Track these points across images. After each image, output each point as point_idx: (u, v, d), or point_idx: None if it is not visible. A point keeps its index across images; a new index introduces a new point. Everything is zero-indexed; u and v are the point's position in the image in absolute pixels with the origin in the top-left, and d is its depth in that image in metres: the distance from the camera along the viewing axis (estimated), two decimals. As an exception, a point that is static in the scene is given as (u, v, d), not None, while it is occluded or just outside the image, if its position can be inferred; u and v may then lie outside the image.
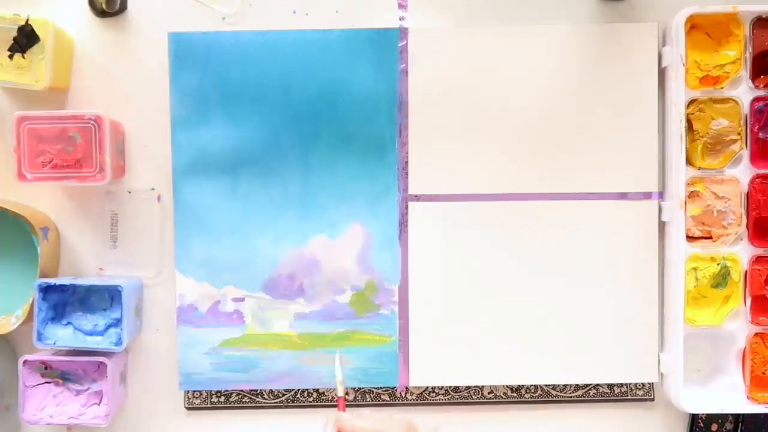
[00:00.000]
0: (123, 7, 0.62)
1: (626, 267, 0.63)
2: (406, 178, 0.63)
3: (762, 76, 0.61)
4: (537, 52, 0.62)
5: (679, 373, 0.60)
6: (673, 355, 0.60)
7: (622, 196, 0.63)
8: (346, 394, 0.61)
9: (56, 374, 0.61)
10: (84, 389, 0.60)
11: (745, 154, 0.61)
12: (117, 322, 0.60)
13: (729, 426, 0.64)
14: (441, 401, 0.64)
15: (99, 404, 0.60)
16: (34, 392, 0.60)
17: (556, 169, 0.63)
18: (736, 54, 0.61)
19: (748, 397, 0.62)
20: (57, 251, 0.63)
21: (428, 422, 0.61)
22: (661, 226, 0.63)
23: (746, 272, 0.61)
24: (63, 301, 0.61)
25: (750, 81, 0.61)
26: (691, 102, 0.61)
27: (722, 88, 0.61)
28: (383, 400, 0.64)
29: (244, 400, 0.64)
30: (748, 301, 0.61)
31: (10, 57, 0.58)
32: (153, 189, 0.63)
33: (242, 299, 0.63)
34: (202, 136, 0.62)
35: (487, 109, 0.62)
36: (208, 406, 0.64)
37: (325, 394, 0.64)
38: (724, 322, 0.62)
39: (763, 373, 0.61)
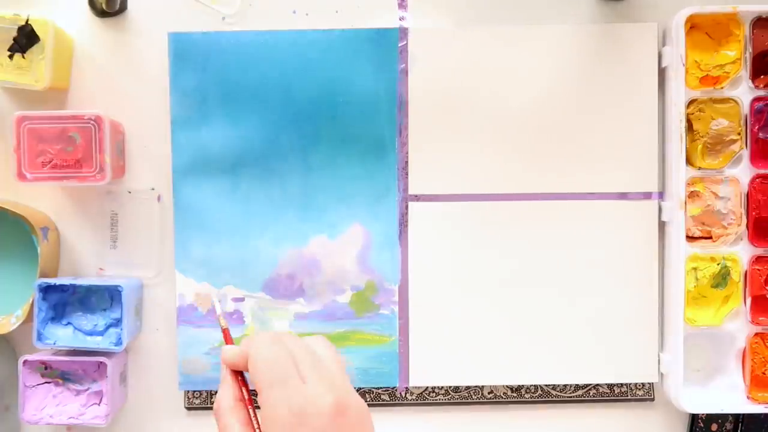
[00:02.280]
0: (123, 7, 0.62)
1: (626, 267, 0.63)
2: (406, 178, 0.63)
3: (762, 76, 0.61)
4: (537, 52, 0.62)
5: (679, 373, 0.60)
6: (673, 355, 0.60)
7: (622, 196, 0.63)
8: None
9: (56, 374, 0.61)
10: (84, 389, 0.60)
11: (745, 154, 0.61)
12: (117, 322, 0.60)
13: (729, 426, 0.64)
14: (441, 401, 0.64)
15: (99, 404, 0.60)
16: (34, 392, 0.60)
17: (555, 169, 0.63)
18: (736, 54, 0.61)
19: (748, 397, 0.62)
20: (57, 251, 0.63)
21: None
22: (661, 226, 0.63)
23: (746, 272, 0.61)
24: (63, 301, 0.61)
25: (750, 81, 0.61)
26: (691, 102, 0.61)
27: (722, 88, 0.61)
28: (383, 400, 0.64)
29: (244, 400, 0.64)
30: (748, 301, 0.61)
31: (10, 57, 0.58)
32: (153, 189, 0.63)
33: (242, 299, 0.63)
34: (202, 136, 0.62)
35: (487, 109, 0.62)
36: (208, 406, 0.64)
37: (325, 394, 0.64)
38: (724, 322, 0.62)
39: (763, 373, 0.61)
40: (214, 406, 0.42)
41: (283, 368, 0.40)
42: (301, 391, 0.39)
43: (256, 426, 0.41)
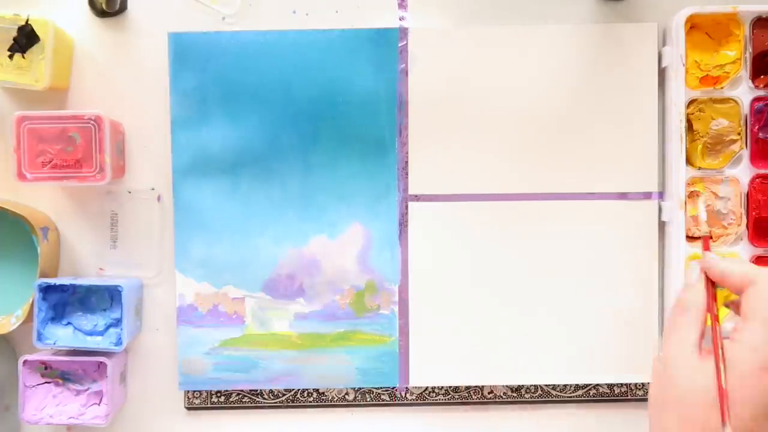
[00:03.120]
0: (123, 7, 0.62)
1: (626, 267, 0.63)
2: (406, 178, 0.63)
3: (762, 76, 0.61)
4: (537, 52, 0.62)
5: (679, 373, 0.60)
6: (673, 355, 0.60)
7: (622, 196, 0.63)
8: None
9: (56, 374, 0.61)
10: (84, 389, 0.60)
11: (745, 154, 0.61)
12: (117, 322, 0.60)
13: (729, 426, 0.64)
14: (441, 401, 0.64)
15: (99, 404, 0.60)
16: (34, 392, 0.60)
17: (556, 169, 0.63)
18: (736, 54, 0.61)
19: (748, 397, 0.62)
20: (57, 251, 0.63)
21: None
22: (661, 226, 0.63)
23: (746, 272, 0.61)
24: (63, 301, 0.61)
25: (750, 81, 0.61)
26: (691, 102, 0.61)
27: (722, 88, 0.61)
28: (383, 400, 0.64)
29: (244, 400, 0.64)
30: (748, 301, 0.61)
31: (10, 57, 0.58)
32: (153, 189, 0.63)
33: (242, 299, 0.63)
34: (202, 136, 0.62)
35: (487, 109, 0.62)
36: (208, 406, 0.64)
37: (326, 394, 0.64)
38: (724, 322, 0.62)
39: (763, 373, 0.61)
40: (678, 300, 0.42)
41: None
42: None
43: (720, 345, 0.41)
